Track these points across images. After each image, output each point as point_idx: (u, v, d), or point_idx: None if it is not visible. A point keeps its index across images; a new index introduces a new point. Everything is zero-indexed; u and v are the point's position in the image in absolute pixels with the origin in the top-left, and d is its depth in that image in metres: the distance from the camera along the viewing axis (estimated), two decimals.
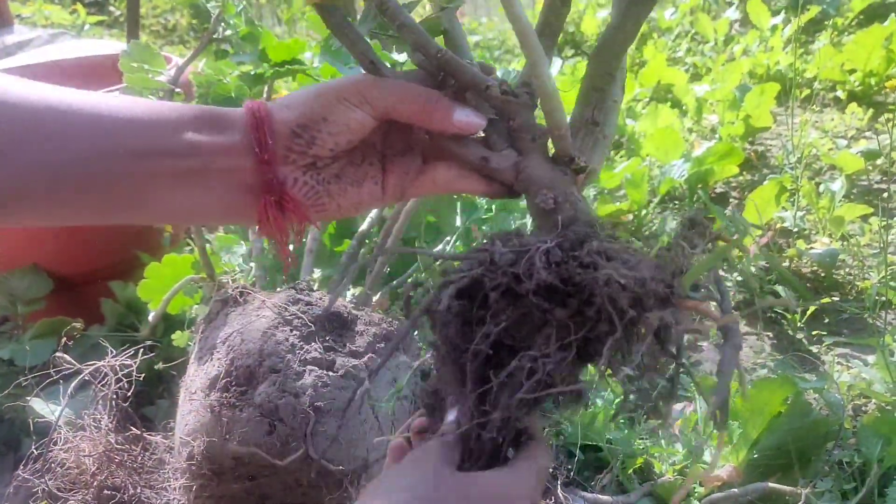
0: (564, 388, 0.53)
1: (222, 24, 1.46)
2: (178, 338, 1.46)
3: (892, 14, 3.34)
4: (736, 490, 1.18)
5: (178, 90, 1.46)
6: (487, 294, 0.55)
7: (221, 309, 1.27)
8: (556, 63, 3.50)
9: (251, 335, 1.16)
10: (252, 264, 1.52)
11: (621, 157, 2.83)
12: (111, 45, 2.29)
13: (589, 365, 0.56)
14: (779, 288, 1.91)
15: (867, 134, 2.92)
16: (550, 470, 1.14)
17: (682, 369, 0.55)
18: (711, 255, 0.56)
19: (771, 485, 1.18)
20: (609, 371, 0.52)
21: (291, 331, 1.17)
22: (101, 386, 1.32)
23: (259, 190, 0.63)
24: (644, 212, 2.40)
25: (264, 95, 1.57)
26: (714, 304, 0.56)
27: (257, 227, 0.66)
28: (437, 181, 0.69)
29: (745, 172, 2.67)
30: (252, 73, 1.51)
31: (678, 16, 4.97)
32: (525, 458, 0.56)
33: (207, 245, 1.51)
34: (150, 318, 1.60)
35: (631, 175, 2.36)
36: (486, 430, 0.55)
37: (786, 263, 2.06)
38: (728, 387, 0.50)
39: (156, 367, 1.49)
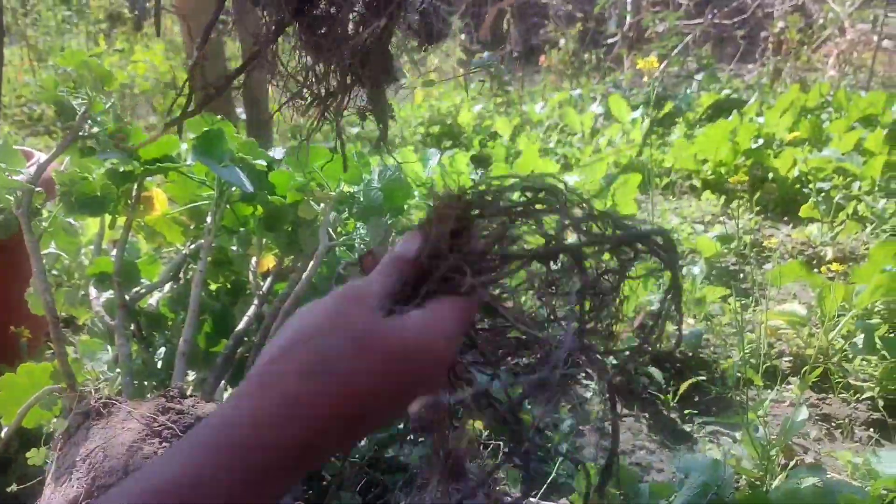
0: None
1: (88, 121, 1.42)
2: (34, 455, 1.34)
3: (735, 110, 3.68)
4: None
5: (38, 189, 1.39)
6: None
7: (82, 422, 1.18)
8: (435, 155, 3.62)
9: (115, 451, 1.08)
10: (118, 371, 1.43)
11: None
12: None
13: None
14: (652, 370, 1.99)
15: (722, 219, 3.15)
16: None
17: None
18: None
19: None
20: None
21: (161, 443, 1.10)
22: None
23: None
24: None
25: (133, 194, 1.52)
26: None
27: None
28: None
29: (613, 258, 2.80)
30: (120, 170, 1.47)
31: (548, 109, 5.27)
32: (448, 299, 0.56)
33: (70, 351, 1.41)
34: (3, 434, 1.47)
35: None
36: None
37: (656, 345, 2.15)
38: None
39: (9, 490, 1.36)
